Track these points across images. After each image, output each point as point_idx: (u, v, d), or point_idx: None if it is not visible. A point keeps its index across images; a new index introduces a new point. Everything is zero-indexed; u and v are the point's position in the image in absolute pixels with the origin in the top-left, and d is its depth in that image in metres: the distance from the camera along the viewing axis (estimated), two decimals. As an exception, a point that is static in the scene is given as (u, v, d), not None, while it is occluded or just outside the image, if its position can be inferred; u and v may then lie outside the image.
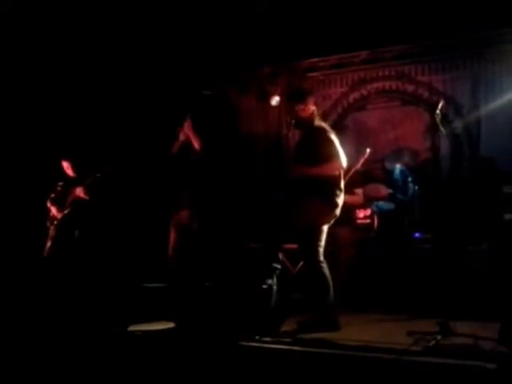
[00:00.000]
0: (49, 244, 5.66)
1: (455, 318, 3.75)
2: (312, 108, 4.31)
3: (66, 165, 5.97)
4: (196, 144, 5.09)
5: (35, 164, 6.48)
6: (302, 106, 4.27)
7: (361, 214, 5.53)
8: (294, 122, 4.27)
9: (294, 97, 4.48)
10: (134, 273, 5.79)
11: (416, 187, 5.68)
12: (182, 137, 5.14)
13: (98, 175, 5.75)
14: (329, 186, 4.10)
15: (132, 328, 4.10)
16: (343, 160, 4.11)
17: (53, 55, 6.69)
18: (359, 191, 5.51)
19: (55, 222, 5.72)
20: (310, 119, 4.28)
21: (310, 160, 4.12)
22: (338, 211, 4.14)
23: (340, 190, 4.16)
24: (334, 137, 4.19)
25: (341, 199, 4.15)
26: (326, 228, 4.14)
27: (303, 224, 4.08)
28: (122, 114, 6.88)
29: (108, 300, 5.02)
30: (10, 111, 6.76)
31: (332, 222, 4.18)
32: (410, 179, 5.74)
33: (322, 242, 4.12)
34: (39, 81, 6.79)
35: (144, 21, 6.50)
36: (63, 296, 5.00)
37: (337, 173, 4.14)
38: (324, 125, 4.34)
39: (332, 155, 4.09)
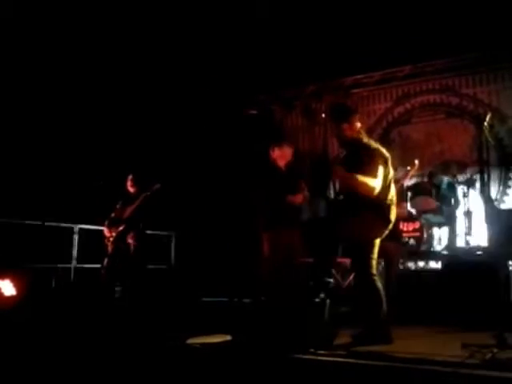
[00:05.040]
0: (106, 261, 5.91)
1: (510, 330, 3.72)
2: (358, 126, 4.30)
3: (129, 181, 6.16)
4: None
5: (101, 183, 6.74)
6: (347, 125, 4.21)
7: (410, 226, 5.55)
8: (339, 141, 4.29)
9: (338, 116, 4.32)
10: (191, 287, 5.95)
11: (465, 199, 5.66)
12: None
13: (148, 194, 5.97)
14: (381, 201, 4.11)
15: (190, 341, 4.21)
16: (376, 185, 3.94)
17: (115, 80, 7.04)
18: (404, 204, 5.52)
19: (111, 239, 5.98)
20: (357, 138, 4.24)
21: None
22: (390, 225, 4.15)
23: (391, 204, 4.16)
24: (380, 155, 4.10)
25: (393, 214, 4.15)
26: (378, 242, 4.17)
27: (355, 238, 4.11)
28: (174, 133, 7.14)
29: (167, 314, 5.17)
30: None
31: (384, 235, 4.20)
32: (458, 191, 5.73)
33: (375, 255, 4.13)
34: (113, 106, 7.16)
35: (192, 44, 6.75)
36: (122, 311, 5.19)
37: (365, 193, 3.95)
38: (373, 143, 4.25)
39: (370, 174, 3.95)
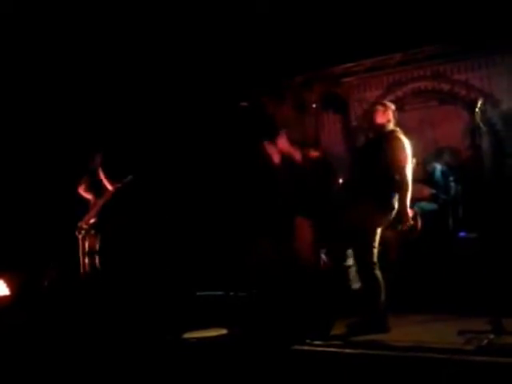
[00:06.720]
0: (87, 259, 5.81)
1: (507, 315, 3.72)
2: (390, 116, 4.34)
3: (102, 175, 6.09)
4: (297, 156, 5.29)
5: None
6: (381, 108, 4.34)
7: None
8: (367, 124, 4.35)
9: (377, 103, 4.62)
10: (186, 281, 5.94)
11: (458, 186, 5.66)
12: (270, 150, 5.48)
13: (119, 185, 5.92)
14: (386, 190, 4.12)
15: (186, 335, 4.22)
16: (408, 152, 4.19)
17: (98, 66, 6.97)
18: None
19: (83, 232, 5.86)
20: (384, 125, 4.30)
21: (377, 163, 4.16)
22: (393, 213, 4.15)
23: (396, 192, 4.15)
24: (405, 142, 4.21)
25: (397, 201, 4.15)
26: (379, 230, 4.17)
27: (358, 226, 4.11)
28: (158, 125, 7.10)
29: (162, 309, 5.16)
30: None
31: (388, 223, 4.20)
32: (451, 178, 5.72)
33: (377, 244, 4.15)
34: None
35: (181, 34, 6.70)
36: (119, 305, 5.17)
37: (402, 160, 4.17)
38: (397, 130, 4.33)
39: (404, 161, 4.13)
